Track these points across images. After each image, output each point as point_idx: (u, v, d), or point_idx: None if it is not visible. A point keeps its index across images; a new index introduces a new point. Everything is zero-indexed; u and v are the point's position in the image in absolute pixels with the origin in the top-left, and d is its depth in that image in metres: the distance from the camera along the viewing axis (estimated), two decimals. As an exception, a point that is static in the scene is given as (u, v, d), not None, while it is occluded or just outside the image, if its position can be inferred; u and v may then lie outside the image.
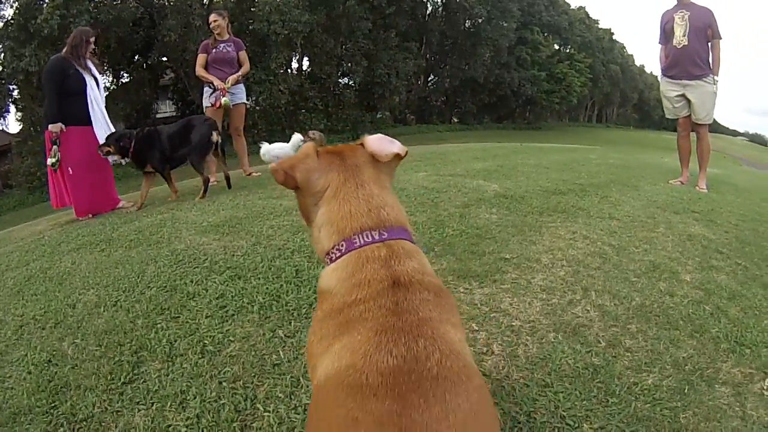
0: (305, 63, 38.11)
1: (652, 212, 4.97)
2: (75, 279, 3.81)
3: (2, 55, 28.14)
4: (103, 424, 2.24)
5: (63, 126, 5.98)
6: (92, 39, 6.27)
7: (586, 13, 64.87)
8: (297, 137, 7.18)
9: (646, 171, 8.18)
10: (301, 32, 30.50)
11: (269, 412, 2.15)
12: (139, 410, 2.27)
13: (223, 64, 7.38)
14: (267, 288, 3.13)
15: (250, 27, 28.89)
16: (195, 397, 2.27)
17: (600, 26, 68.28)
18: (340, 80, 38.60)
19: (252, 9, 30.27)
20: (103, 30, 26.49)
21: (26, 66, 25.13)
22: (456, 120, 50.29)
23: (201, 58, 7.41)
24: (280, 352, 2.50)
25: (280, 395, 2.22)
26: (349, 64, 36.77)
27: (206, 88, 7.40)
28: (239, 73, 7.48)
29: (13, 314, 3.45)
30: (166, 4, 30.39)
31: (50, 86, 5.95)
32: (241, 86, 7.61)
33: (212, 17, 7.43)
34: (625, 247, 3.87)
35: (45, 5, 25.42)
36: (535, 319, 2.69)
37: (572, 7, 61.29)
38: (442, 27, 43.91)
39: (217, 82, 7.16)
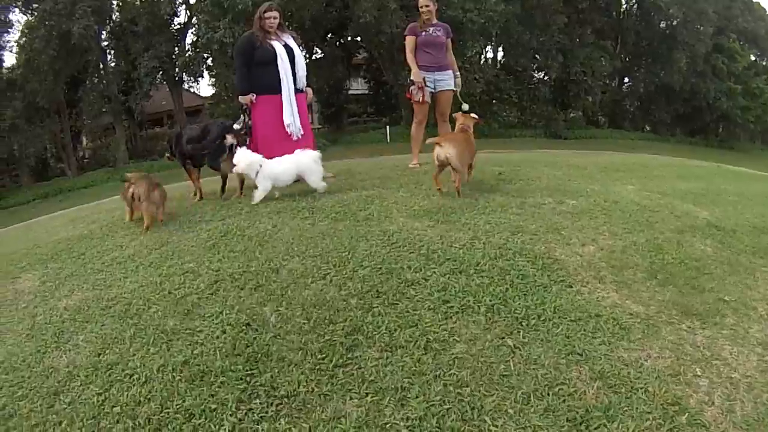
0: (500, 54, 38.19)
1: None
2: (277, 243, 3.82)
3: (196, 27, 31.24)
4: (308, 405, 2.18)
5: (253, 97, 6.30)
6: (267, 13, 6.42)
7: (786, 21, 57.66)
8: None
9: None
10: (497, 22, 30.59)
11: (497, 427, 2.07)
12: (351, 398, 2.19)
13: (433, 48, 7.39)
14: (492, 290, 2.95)
15: (445, 13, 29.28)
16: (417, 397, 2.17)
17: (801, 38, 60.60)
18: (534, 74, 38.09)
19: (448, -5, 30.76)
20: (297, 8, 28.62)
21: (220, 38, 27.68)
22: (648, 128, 47.44)
23: (410, 40, 7.46)
24: (510, 363, 2.37)
25: (509, 411, 2.14)
26: (545, 59, 36.02)
27: (412, 83, 7.44)
28: (457, 73, 7.62)
29: (208, 267, 3.51)
30: (360, -15, 31.56)
31: (239, 61, 6.42)
32: (450, 72, 7.58)
33: (424, 1, 7.41)
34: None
35: (238, -17, 27.38)
36: (751, 374, 2.55)
37: (769, 12, 54.68)
38: (637, 26, 41.83)
39: (417, 78, 7.23)
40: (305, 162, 5.31)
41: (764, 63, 49.23)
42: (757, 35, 47.52)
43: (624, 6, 42.51)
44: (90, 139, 40.69)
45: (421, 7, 7.39)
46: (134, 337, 2.80)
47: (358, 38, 34.93)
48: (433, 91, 7.38)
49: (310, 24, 31.44)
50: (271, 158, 5.80)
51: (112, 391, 2.39)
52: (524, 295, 2.91)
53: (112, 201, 6.83)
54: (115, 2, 34.47)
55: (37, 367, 2.71)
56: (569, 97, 37.42)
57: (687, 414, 2.18)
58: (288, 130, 6.32)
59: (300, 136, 6.40)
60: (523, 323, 2.65)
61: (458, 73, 7.75)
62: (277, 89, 6.35)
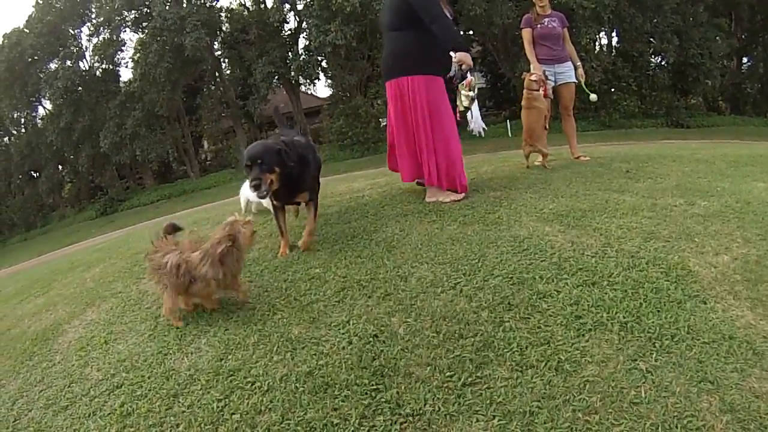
0: (614, 40, 37.01)
1: None
2: (405, 249, 3.82)
3: (308, 30, 32.48)
4: (433, 425, 2.14)
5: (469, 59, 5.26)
6: None
7: None
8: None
9: None
10: (608, 5, 29.82)
11: (624, 461, 2.00)
12: (477, 420, 2.14)
13: (549, 40, 7.30)
14: (626, 305, 2.81)
15: (555, 0, 28.80)
16: (545, 423, 2.09)
17: None
18: (651, 59, 36.35)
19: (556, -20, 30.37)
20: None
21: (332, 40, 28.91)
22: None
23: (527, 33, 7.37)
24: (641, 390, 2.23)
25: (638, 443, 2.03)
26: (660, 42, 34.22)
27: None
28: (578, 63, 7.49)
29: (335, 273, 3.55)
30: (467, -22, 31.55)
31: (439, 9, 4.95)
32: (569, 64, 7.47)
33: None
34: None
35: (345, -15, 28.48)
36: None
37: None
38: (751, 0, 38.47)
39: (538, 73, 6.98)
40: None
41: None
42: None
43: (735, -23, 39.62)
44: (211, 143, 43.79)
45: None
46: (257, 344, 2.86)
47: (470, 32, 34.52)
48: (554, 84, 7.28)
49: (421, 20, 31.98)
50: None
51: (232, 398, 2.46)
52: (658, 311, 2.76)
53: (234, 202, 7.06)
54: (223, 14, 36.74)
55: (158, 368, 2.85)
56: (688, 82, 35.47)
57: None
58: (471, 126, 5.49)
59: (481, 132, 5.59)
60: (656, 344, 2.51)
61: (579, 63, 7.61)
62: (443, 70, 5.36)
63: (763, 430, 2.06)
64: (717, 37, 35.43)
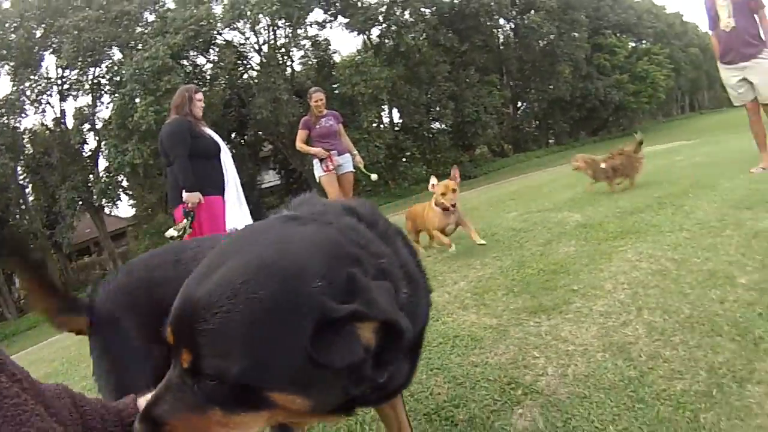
0: (395, 115, 38.67)
1: (724, 213, 4.70)
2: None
3: (107, 151, 30.97)
4: None
5: (201, 197, 5.52)
6: (198, 96, 5.86)
7: (652, 2, 59.62)
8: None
9: (733, 163, 7.61)
10: (384, 88, 31.18)
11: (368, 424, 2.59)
12: None
13: (328, 137, 7.96)
14: None
15: (335, 91, 30.43)
16: None
17: (667, 12, 63.15)
18: (432, 126, 38.53)
19: (333, 74, 32.27)
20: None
21: (131, 159, 27.75)
22: (552, 141, 48.72)
23: (302, 134, 8.04)
24: None
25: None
26: (437, 109, 36.81)
27: (315, 159, 8.03)
28: (354, 152, 8.33)
29: None
30: (252, 83, 32.81)
31: (180, 149, 5.45)
32: (347, 156, 8.20)
33: (319, 96, 7.97)
34: (687, 259, 3.75)
35: (137, 104, 27.82)
36: (588, 342, 2.84)
37: (636, 0, 56.11)
38: (518, 53, 43.06)
39: (320, 152, 7.80)
40: None
41: (643, 44, 51.22)
42: (630, 23, 49.94)
43: (501, 38, 44.08)
44: (23, 279, 40.12)
45: (317, 101, 7.91)
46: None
47: (260, 132, 35.64)
48: (336, 174, 8.07)
49: (213, 128, 32.05)
50: None
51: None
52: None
53: (64, 338, 7.16)
54: (26, 137, 34.47)
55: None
56: (468, 137, 38.29)
57: (522, 387, 2.52)
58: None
59: None
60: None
61: (356, 152, 8.35)
62: (222, 189, 5.85)
63: (475, 383, 2.64)
64: (490, 92, 38.11)
